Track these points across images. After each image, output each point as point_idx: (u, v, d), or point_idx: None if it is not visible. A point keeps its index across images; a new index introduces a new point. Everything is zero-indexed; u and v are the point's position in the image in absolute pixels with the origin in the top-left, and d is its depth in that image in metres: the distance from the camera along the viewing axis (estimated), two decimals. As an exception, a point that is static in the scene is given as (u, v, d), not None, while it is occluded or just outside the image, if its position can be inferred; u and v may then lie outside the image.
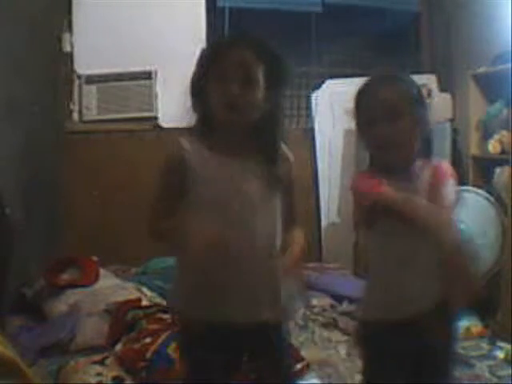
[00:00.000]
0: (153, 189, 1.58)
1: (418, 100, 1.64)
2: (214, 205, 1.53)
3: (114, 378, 2.29)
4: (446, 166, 1.68)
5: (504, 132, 3.38)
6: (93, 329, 2.69)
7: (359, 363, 1.83)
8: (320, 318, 3.02)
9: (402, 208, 1.55)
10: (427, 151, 1.67)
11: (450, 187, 1.62)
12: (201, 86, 1.55)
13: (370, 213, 1.60)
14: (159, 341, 2.41)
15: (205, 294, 1.57)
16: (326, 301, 3.17)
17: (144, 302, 2.81)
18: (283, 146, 1.63)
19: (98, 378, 2.28)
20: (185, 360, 1.70)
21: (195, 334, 1.60)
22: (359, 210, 1.65)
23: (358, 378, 2.10)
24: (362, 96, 1.65)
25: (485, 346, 2.94)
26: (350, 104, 1.71)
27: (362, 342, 1.73)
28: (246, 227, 1.55)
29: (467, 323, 3.11)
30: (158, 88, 3.93)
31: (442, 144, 3.84)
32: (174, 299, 1.74)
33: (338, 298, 3.18)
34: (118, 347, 2.49)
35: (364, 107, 1.63)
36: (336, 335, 2.87)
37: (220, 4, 4.15)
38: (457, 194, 1.65)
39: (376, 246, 1.68)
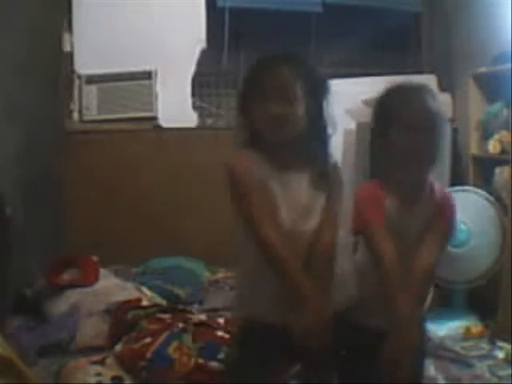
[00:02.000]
0: (245, 203, 1.59)
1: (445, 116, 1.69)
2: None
3: (114, 378, 2.29)
4: (452, 202, 1.73)
5: (504, 132, 3.37)
6: (93, 329, 2.69)
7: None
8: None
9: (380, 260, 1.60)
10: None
11: (445, 240, 1.69)
12: (247, 105, 1.64)
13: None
14: (159, 341, 2.41)
15: (264, 294, 1.62)
16: (326, 301, 3.17)
17: (144, 302, 2.81)
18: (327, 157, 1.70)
19: (98, 378, 2.28)
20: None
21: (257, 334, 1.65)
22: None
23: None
24: (398, 105, 1.65)
25: (485, 346, 2.94)
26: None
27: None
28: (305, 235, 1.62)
29: (467, 323, 3.11)
30: (158, 88, 3.93)
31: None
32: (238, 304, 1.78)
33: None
34: (118, 347, 2.49)
35: (404, 118, 1.62)
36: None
37: (220, 4, 4.15)
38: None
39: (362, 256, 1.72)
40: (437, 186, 1.71)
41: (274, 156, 1.62)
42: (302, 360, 1.68)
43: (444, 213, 1.69)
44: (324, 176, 1.65)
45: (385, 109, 1.68)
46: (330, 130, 1.70)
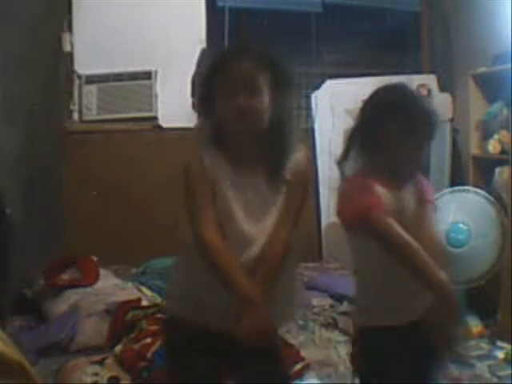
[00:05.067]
0: (188, 199, 1.58)
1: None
2: (224, 213, 1.57)
3: (110, 379, 2.29)
4: (429, 184, 1.74)
5: (504, 132, 3.37)
6: (93, 329, 2.69)
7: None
8: (320, 318, 3.02)
9: (397, 245, 1.55)
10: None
11: (433, 212, 1.69)
12: (209, 98, 1.60)
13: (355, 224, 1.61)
14: (159, 341, 2.41)
15: (201, 296, 1.59)
16: (326, 301, 3.17)
17: (144, 302, 2.81)
18: (298, 148, 1.65)
19: (95, 378, 2.28)
20: (175, 363, 1.70)
21: (187, 337, 1.61)
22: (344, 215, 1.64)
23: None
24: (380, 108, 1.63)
25: (485, 345, 2.94)
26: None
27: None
28: (251, 235, 1.58)
29: (467, 323, 3.11)
30: (158, 88, 3.93)
31: (442, 144, 3.84)
32: (173, 300, 1.74)
33: (338, 298, 3.18)
34: (119, 347, 2.49)
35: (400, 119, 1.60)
36: (336, 335, 2.87)
37: (220, 4, 4.16)
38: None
39: (359, 251, 1.69)
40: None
41: (233, 154, 1.59)
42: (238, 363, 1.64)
43: (429, 197, 1.70)
44: (282, 177, 1.60)
45: (370, 111, 1.66)
46: (292, 125, 1.65)
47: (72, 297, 2.91)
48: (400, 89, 1.65)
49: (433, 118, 1.63)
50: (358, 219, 1.57)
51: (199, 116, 1.69)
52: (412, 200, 1.66)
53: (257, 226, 1.58)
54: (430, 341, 1.55)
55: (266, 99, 1.56)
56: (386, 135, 1.59)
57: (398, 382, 1.59)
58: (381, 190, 1.58)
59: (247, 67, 1.55)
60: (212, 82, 1.58)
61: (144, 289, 3.06)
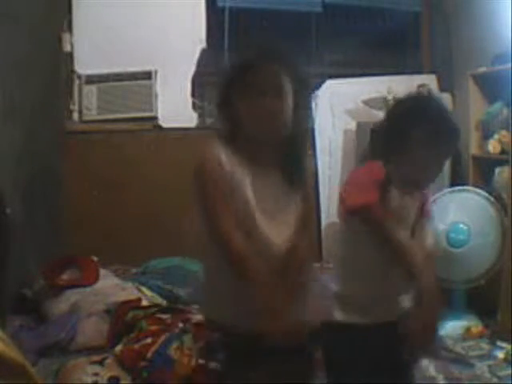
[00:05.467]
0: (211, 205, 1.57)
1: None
2: (244, 213, 1.56)
3: (111, 379, 2.29)
4: (431, 196, 1.80)
5: (504, 132, 3.37)
6: (93, 329, 2.69)
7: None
8: (320, 318, 3.02)
9: (388, 239, 1.57)
10: None
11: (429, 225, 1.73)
12: (230, 100, 1.58)
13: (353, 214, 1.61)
14: (160, 341, 2.41)
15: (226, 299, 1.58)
16: (326, 301, 3.17)
17: (144, 302, 2.81)
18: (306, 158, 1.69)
19: (95, 378, 2.28)
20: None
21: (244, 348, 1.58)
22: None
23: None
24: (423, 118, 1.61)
25: (485, 345, 2.94)
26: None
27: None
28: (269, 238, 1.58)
29: (467, 323, 3.11)
30: (158, 88, 3.93)
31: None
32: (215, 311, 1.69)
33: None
34: (119, 347, 2.49)
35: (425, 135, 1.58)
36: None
37: (220, 4, 4.16)
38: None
39: (350, 244, 1.69)
40: None
41: (251, 154, 1.58)
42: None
43: (429, 209, 1.73)
44: (299, 180, 1.62)
45: (399, 116, 1.64)
46: (308, 130, 1.69)
47: (72, 297, 2.91)
48: (431, 100, 1.66)
49: (457, 133, 1.64)
50: (358, 210, 1.57)
51: (218, 118, 1.66)
52: (413, 209, 1.67)
53: (277, 227, 1.59)
54: (406, 342, 1.59)
55: (289, 102, 1.57)
56: (410, 142, 1.59)
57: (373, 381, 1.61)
58: (390, 190, 1.59)
59: (274, 70, 1.56)
60: (235, 85, 1.57)
61: (144, 289, 3.06)
